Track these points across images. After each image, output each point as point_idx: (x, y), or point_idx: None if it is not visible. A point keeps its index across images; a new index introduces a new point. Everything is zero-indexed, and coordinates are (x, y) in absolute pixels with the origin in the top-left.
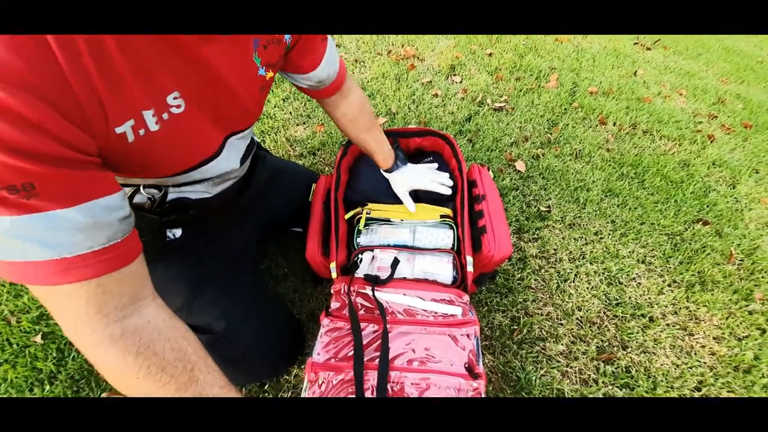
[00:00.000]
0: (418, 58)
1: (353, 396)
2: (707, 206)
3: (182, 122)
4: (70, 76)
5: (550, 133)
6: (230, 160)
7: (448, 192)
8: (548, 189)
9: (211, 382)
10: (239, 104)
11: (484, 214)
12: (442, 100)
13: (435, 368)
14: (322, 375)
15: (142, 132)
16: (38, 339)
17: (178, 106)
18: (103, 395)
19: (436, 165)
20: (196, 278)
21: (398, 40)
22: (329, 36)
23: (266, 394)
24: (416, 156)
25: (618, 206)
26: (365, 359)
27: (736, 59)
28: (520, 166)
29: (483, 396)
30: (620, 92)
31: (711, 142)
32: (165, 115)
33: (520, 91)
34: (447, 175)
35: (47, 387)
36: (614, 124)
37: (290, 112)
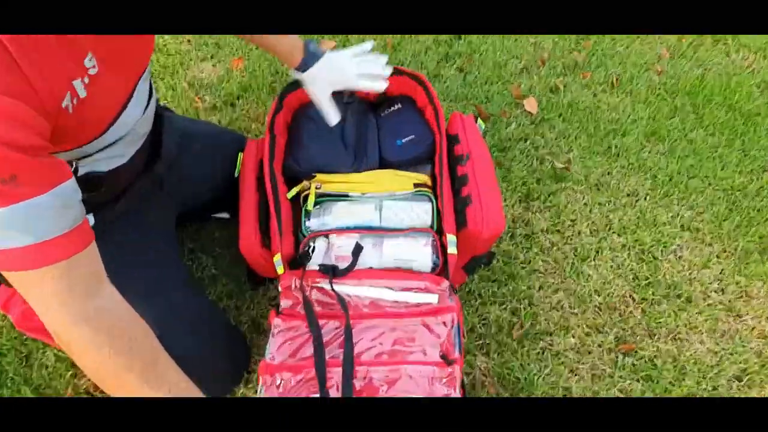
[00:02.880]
0: None
1: (316, 396)
2: None
3: (99, 81)
4: (22, 64)
5: (578, 50)
6: (135, 108)
7: (382, 87)
8: (569, 137)
9: (169, 365)
10: (137, 38)
11: (469, 179)
12: None
13: (407, 359)
14: (278, 376)
15: (75, 101)
16: None
17: (93, 67)
18: None
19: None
20: (117, 271)
21: None
22: None
23: None
24: (381, 104)
25: (663, 155)
26: (327, 357)
27: None
28: (530, 105)
29: (458, 381)
30: None
31: None
32: (86, 80)
33: None
34: (384, 59)
35: None
36: None
37: (189, 41)
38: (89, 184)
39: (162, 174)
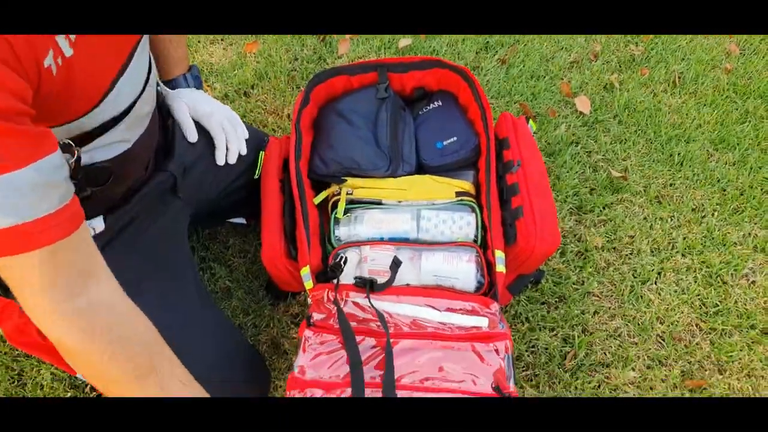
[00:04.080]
0: None
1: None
2: None
3: (87, 40)
4: None
5: (635, 44)
6: (134, 79)
7: (220, 160)
8: (626, 142)
9: (171, 374)
10: None
11: (521, 188)
12: None
13: (455, 387)
14: (309, 392)
15: (60, 60)
16: None
17: None
18: None
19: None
20: (129, 284)
21: None
22: None
23: None
24: (416, 100)
25: (733, 165)
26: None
27: None
28: (582, 104)
29: None
30: None
31: None
32: (72, 36)
33: None
34: (243, 127)
35: None
36: None
37: None
38: (95, 175)
39: (175, 174)
